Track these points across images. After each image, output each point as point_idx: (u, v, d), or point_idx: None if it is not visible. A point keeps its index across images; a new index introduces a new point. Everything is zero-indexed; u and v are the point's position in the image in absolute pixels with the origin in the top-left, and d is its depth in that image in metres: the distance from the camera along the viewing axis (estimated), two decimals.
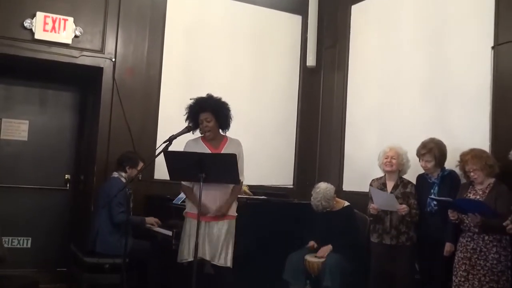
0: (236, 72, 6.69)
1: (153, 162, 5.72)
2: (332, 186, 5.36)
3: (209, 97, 4.48)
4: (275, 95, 6.93)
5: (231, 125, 4.54)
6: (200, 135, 4.57)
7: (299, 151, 6.99)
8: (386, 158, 5.05)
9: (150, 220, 5.44)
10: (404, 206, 4.80)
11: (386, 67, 6.02)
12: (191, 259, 4.28)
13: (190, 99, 4.53)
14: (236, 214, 4.56)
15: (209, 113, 4.41)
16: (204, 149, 4.44)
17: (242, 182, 4.55)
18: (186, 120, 4.52)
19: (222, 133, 4.56)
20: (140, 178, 5.72)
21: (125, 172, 5.42)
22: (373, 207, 4.92)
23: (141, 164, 5.49)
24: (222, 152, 4.43)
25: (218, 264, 4.39)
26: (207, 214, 4.36)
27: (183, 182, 4.59)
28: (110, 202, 5.11)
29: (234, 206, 4.55)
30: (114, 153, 5.78)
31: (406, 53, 5.76)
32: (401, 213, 4.80)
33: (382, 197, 4.87)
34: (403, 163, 5.04)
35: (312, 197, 5.30)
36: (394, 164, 5.00)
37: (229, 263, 4.41)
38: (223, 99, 4.52)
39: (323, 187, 5.29)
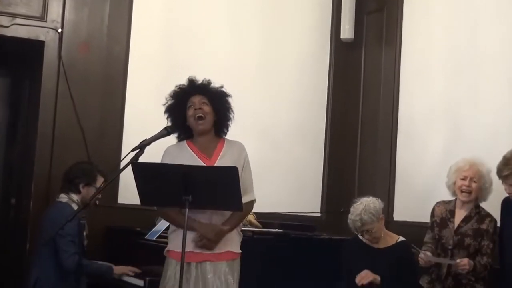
0: (240, 52, 6.65)
1: (117, 179, 5.68)
2: (380, 201, 5.33)
3: (207, 82, 4.51)
4: (295, 85, 6.91)
5: (229, 128, 4.55)
6: (184, 139, 4.54)
7: (329, 165, 6.98)
8: (462, 180, 5.04)
9: (121, 269, 5.32)
10: (465, 261, 4.81)
11: (457, 43, 5.98)
12: None
13: (177, 86, 4.53)
14: (240, 252, 4.47)
15: (202, 95, 4.44)
16: (191, 157, 4.42)
17: (254, 201, 4.50)
18: (166, 112, 4.49)
19: (217, 132, 4.56)
20: (97, 203, 5.55)
21: (78, 192, 5.32)
22: (421, 257, 5.00)
23: (100, 180, 5.37)
24: (217, 160, 4.42)
25: None
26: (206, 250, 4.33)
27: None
28: (56, 239, 5.00)
29: (235, 239, 4.48)
30: (60, 165, 5.68)
31: (487, 23, 5.75)
32: (459, 271, 4.85)
33: (434, 259, 5.00)
34: (486, 187, 5.05)
35: (349, 214, 5.28)
36: (474, 190, 5.03)
37: None
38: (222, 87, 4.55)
39: (366, 199, 5.30)
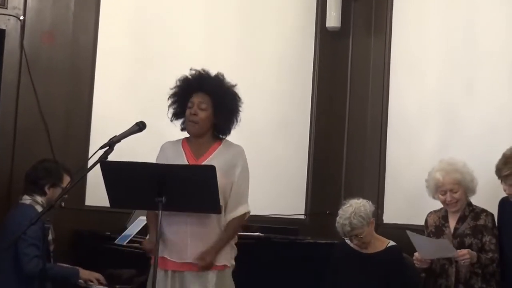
0: (216, 41, 6.64)
1: (85, 179, 5.66)
2: (371, 204, 5.35)
3: (216, 74, 4.55)
4: (277, 77, 6.90)
5: (231, 131, 4.61)
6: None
7: (314, 163, 6.98)
8: (442, 194, 5.09)
9: (88, 275, 5.29)
10: (464, 251, 4.82)
11: (452, 32, 6.04)
12: None
13: (190, 69, 4.54)
14: (233, 264, 4.51)
15: (206, 95, 4.47)
16: (179, 157, 4.48)
17: (247, 214, 4.54)
18: (170, 105, 4.55)
19: (216, 134, 4.60)
20: (63, 205, 5.55)
21: (43, 194, 5.29)
22: (416, 257, 5.03)
23: (67, 180, 5.35)
24: (205, 162, 4.44)
25: None
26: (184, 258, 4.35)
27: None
28: (18, 243, 5.00)
29: (228, 251, 4.49)
30: (22, 163, 5.69)
31: (485, 11, 5.82)
32: (461, 263, 4.84)
33: (428, 245, 4.97)
34: (469, 187, 5.09)
35: (338, 217, 5.29)
36: (459, 199, 5.07)
37: None
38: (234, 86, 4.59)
39: (356, 202, 5.32)
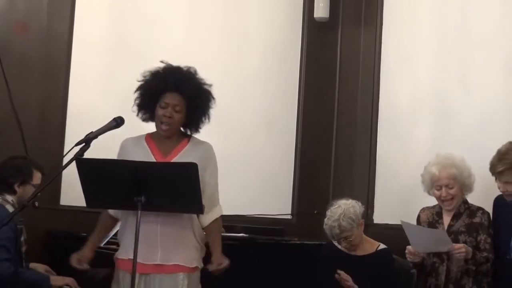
0: (199, 33, 6.67)
1: (59, 178, 5.65)
2: (360, 204, 5.37)
3: (192, 72, 4.56)
4: (262, 71, 6.91)
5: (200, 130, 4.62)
6: (142, 133, 4.62)
7: (301, 161, 7.00)
8: (437, 189, 5.13)
9: (60, 281, 5.26)
10: (460, 245, 4.86)
11: (446, 22, 6.14)
12: None
13: (161, 61, 4.53)
14: (196, 266, 4.51)
15: (181, 97, 4.46)
16: (145, 155, 4.48)
17: (220, 214, 4.61)
18: (137, 91, 4.52)
19: (183, 130, 4.61)
20: (36, 204, 5.60)
21: (13, 193, 5.23)
22: (409, 251, 5.04)
23: (38, 176, 5.30)
24: (174, 159, 4.48)
25: None
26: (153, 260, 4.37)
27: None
28: None
29: (191, 253, 4.51)
30: None
31: (478, 2, 5.96)
32: (457, 256, 4.86)
33: (423, 236, 5.03)
34: (466, 184, 5.15)
35: (326, 219, 5.29)
36: (455, 196, 5.12)
37: None
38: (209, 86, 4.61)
39: (345, 202, 5.33)
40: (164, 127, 4.45)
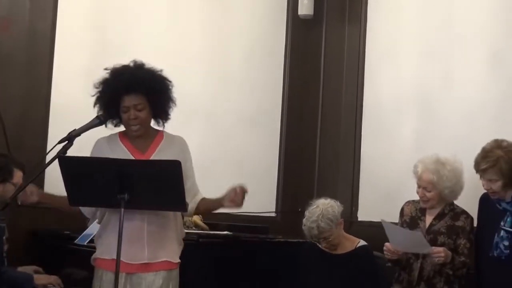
0: (182, 28, 6.67)
1: (42, 176, 5.50)
2: (339, 204, 5.38)
3: (139, 67, 4.48)
4: (246, 67, 6.94)
5: (171, 114, 4.58)
6: (117, 130, 4.59)
7: (285, 158, 7.05)
8: (418, 186, 5.18)
9: (43, 279, 5.24)
10: (440, 249, 4.87)
11: (430, 20, 6.13)
12: None
13: (105, 69, 4.51)
14: (179, 261, 4.49)
15: (139, 95, 4.40)
16: (123, 154, 4.44)
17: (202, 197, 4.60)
18: (96, 104, 4.47)
19: (155, 127, 4.58)
20: (19, 202, 5.39)
21: None
22: (387, 248, 5.07)
23: (18, 175, 5.25)
24: (153, 156, 4.46)
25: None
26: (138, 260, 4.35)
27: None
28: None
29: (175, 248, 4.50)
30: None
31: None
32: (434, 260, 4.90)
33: (403, 237, 5.05)
34: (446, 193, 5.12)
35: (304, 219, 5.31)
36: (430, 199, 5.12)
37: None
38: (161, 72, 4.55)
39: (323, 202, 5.35)
40: (133, 128, 4.42)
